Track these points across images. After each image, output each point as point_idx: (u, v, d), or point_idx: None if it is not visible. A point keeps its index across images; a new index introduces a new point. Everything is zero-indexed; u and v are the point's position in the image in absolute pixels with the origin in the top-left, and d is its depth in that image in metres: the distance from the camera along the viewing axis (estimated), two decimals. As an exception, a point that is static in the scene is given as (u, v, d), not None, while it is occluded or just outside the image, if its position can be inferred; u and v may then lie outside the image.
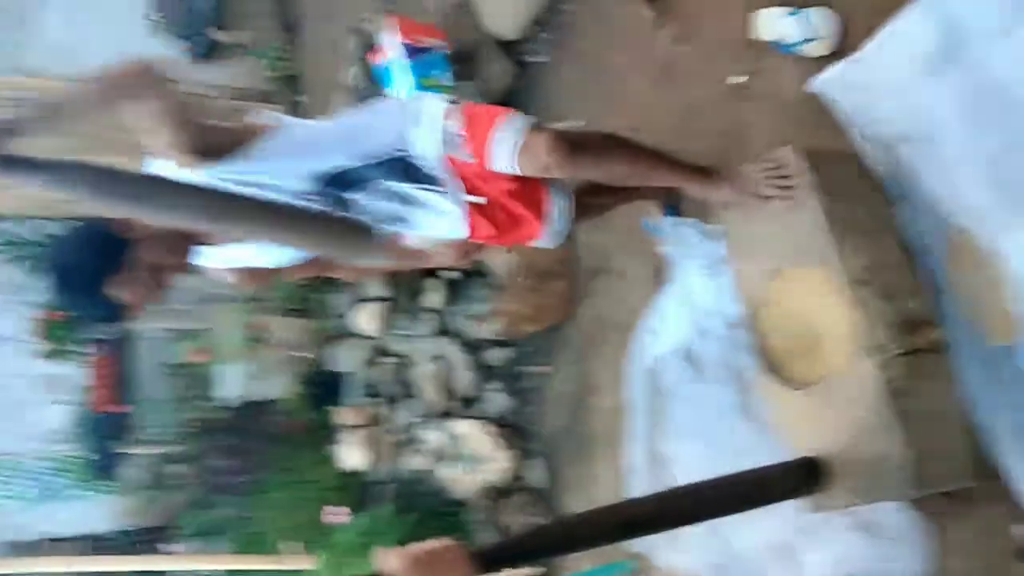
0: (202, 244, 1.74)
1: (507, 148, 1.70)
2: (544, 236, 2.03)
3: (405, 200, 1.83)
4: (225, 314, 4.48)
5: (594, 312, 3.08)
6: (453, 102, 1.82)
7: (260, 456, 4.65)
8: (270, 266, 1.90)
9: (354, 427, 3.95)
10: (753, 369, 1.92)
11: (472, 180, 1.84)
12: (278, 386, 4.44)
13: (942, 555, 1.74)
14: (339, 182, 1.75)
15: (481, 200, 1.83)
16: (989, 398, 1.63)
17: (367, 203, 1.79)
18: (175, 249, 1.69)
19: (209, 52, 5.04)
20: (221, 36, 4.98)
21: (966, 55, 1.49)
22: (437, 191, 1.81)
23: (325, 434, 4.22)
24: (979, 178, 1.51)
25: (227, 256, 1.81)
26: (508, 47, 3.13)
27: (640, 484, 2.69)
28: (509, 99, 3.13)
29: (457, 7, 3.25)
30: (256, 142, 1.70)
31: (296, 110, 4.66)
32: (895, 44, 1.60)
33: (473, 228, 1.90)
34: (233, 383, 4.35)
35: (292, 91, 4.81)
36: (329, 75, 4.20)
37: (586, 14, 2.89)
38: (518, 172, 1.74)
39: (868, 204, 1.71)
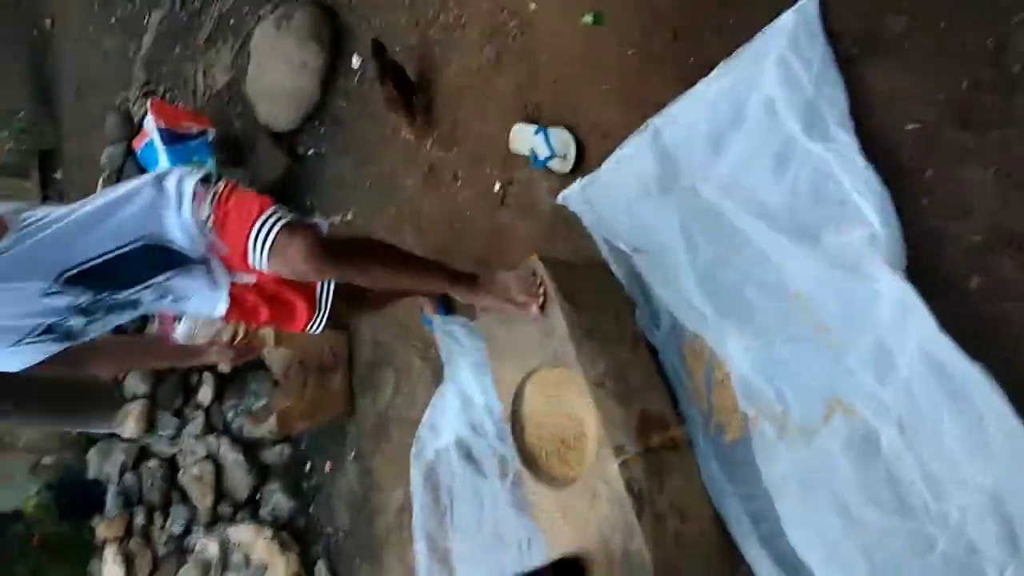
0: None
1: (259, 250, 1.59)
2: (314, 323, 1.97)
3: (167, 291, 1.71)
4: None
5: (375, 408, 3.00)
6: (205, 180, 1.68)
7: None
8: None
9: (113, 539, 3.52)
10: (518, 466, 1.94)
11: (236, 262, 1.74)
12: (19, 495, 3.86)
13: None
14: (91, 279, 1.57)
15: (250, 279, 1.73)
16: (725, 490, 1.74)
17: (131, 299, 1.65)
18: None
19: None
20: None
21: (679, 182, 1.65)
22: (199, 270, 1.71)
23: (83, 551, 3.72)
24: (696, 290, 1.65)
25: None
26: (281, 138, 3.05)
27: (427, 582, 2.61)
28: (282, 188, 3.04)
29: (228, 95, 3.14)
30: None
31: (50, 187, 4.24)
32: (623, 168, 1.75)
33: (239, 308, 1.81)
34: (-41, 493, 3.73)
35: (46, 166, 4.36)
36: (90, 151, 3.88)
37: (357, 113, 2.90)
38: (268, 273, 1.66)
39: (610, 310, 1.81)
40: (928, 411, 1.41)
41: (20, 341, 1.58)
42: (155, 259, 1.64)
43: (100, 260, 1.57)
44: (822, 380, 1.52)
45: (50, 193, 4.12)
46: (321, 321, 2.00)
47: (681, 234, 1.63)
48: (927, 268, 1.44)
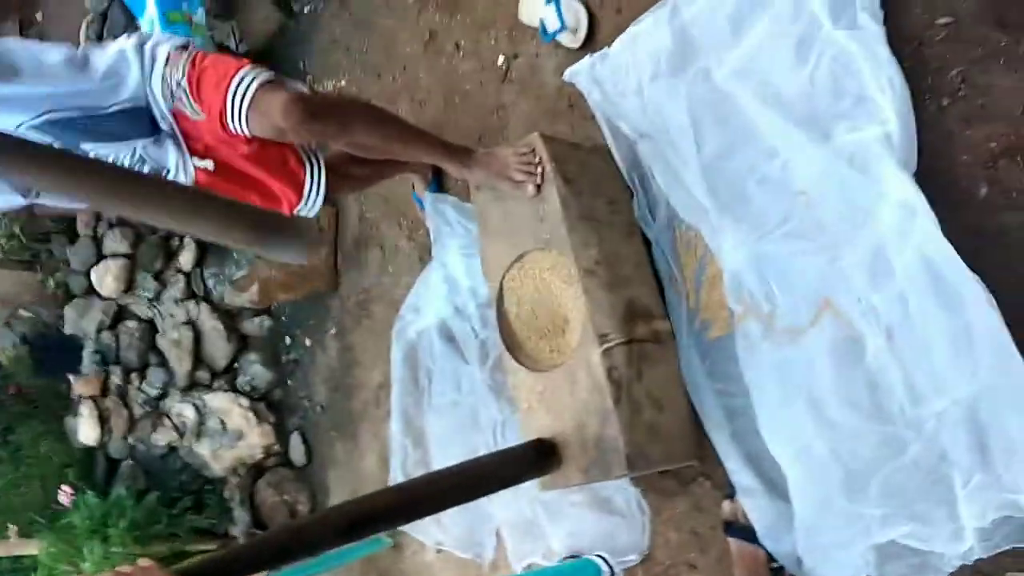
0: None
1: (237, 106, 1.57)
2: (301, 206, 1.92)
3: (144, 159, 1.69)
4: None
5: (359, 284, 2.98)
6: (183, 47, 1.65)
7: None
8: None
9: (88, 397, 3.55)
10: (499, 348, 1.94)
11: (205, 140, 1.69)
12: (-5, 347, 3.86)
13: (660, 528, 1.87)
14: (73, 127, 1.60)
15: (206, 164, 1.68)
16: (703, 384, 1.75)
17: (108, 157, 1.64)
18: None
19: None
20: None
21: (694, 64, 1.57)
22: (169, 142, 1.67)
23: (59, 405, 3.76)
24: (699, 180, 1.61)
25: None
26: (277, -10, 2.89)
27: (400, 461, 2.66)
28: (272, 47, 2.91)
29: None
30: None
31: (30, 28, 4.04)
32: (636, 45, 1.66)
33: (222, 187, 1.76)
34: (-67, 341, 3.72)
35: (26, 7, 4.14)
36: (71, -6, 3.67)
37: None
38: (248, 133, 1.61)
39: (607, 195, 1.76)
40: (918, 318, 1.39)
41: None
42: (129, 124, 1.64)
43: (81, 114, 1.59)
44: (815, 280, 1.50)
45: (30, 35, 3.93)
46: (311, 206, 1.95)
47: (689, 120, 1.57)
48: (937, 173, 1.39)
